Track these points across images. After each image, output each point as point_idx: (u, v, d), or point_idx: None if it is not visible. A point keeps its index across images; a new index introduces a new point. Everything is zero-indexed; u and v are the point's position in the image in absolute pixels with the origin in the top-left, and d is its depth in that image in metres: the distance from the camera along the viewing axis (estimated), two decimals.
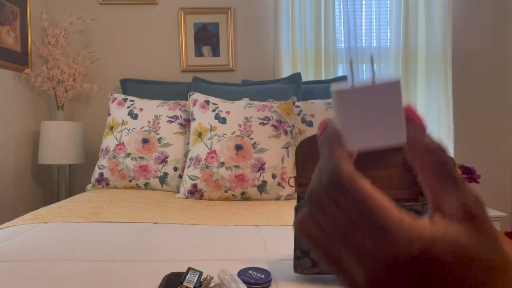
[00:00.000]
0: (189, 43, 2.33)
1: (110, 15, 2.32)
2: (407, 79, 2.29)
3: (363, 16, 2.33)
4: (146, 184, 1.75)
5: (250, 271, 0.71)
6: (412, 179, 0.55)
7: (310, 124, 1.81)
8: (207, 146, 1.63)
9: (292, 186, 0.57)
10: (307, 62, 2.29)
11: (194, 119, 1.73)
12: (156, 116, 1.82)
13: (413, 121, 0.38)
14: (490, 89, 2.40)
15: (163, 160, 1.75)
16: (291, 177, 0.59)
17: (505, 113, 2.40)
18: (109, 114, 1.92)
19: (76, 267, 0.77)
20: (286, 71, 2.28)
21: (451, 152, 2.24)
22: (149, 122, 1.81)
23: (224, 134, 1.63)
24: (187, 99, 1.95)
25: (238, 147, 1.60)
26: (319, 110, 1.85)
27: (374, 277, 0.22)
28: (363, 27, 2.33)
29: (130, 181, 1.75)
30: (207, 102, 1.75)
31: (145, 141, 1.77)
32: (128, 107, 1.88)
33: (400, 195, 0.56)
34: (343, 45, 2.30)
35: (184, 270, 0.69)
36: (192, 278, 0.64)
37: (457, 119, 2.35)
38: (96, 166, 1.80)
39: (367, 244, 0.23)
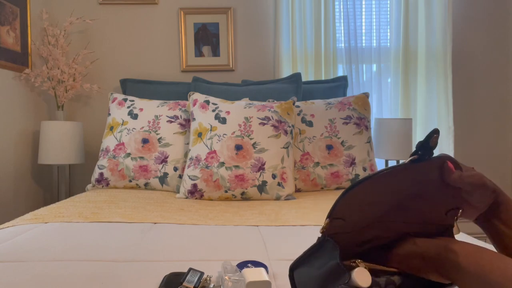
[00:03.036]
0: (189, 43, 2.33)
1: (110, 15, 2.32)
2: (407, 79, 2.29)
3: (363, 16, 2.33)
4: (146, 184, 1.75)
5: (249, 264, 0.72)
6: (445, 215, 0.54)
7: (310, 124, 1.81)
8: (207, 146, 1.63)
9: (323, 232, 0.48)
10: (307, 62, 2.29)
11: (194, 119, 1.73)
12: (156, 116, 1.82)
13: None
14: (490, 89, 2.40)
15: (163, 160, 1.75)
16: (327, 222, 0.48)
17: (505, 113, 2.41)
18: (109, 114, 1.92)
19: (76, 267, 0.77)
20: (286, 71, 2.28)
21: (451, 152, 2.24)
22: (149, 122, 1.81)
23: (224, 134, 1.63)
24: (187, 99, 1.95)
25: (238, 147, 1.60)
26: (319, 110, 1.85)
27: None
28: (363, 27, 2.33)
29: (130, 181, 1.75)
30: (207, 102, 1.75)
31: (145, 141, 1.77)
32: (128, 107, 1.88)
33: (432, 227, 0.54)
34: (343, 45, 2.30)
35: (184, 270, 0.69)
36: (192, 279, 0.64)
37: (457, 119, 2.35)
38: (96, 166, 1.80)
39: None
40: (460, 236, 0.96)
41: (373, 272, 0.47)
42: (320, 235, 0.51)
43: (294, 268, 0.55)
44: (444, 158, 0.50)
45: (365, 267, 0.45)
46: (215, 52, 2.34)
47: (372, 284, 0.45)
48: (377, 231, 0.52)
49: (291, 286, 0.54)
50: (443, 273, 0.44)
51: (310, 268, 0.51)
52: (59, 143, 2.00)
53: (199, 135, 1.67)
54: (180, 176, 1.73)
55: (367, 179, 0.45)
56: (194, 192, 1.58)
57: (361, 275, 0.44)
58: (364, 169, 1.77)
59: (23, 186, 2.09)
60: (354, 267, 0.45)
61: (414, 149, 0.52)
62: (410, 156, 0.48)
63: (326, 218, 0.48)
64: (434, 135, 0.46)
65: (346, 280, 0.43)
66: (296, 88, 2.06)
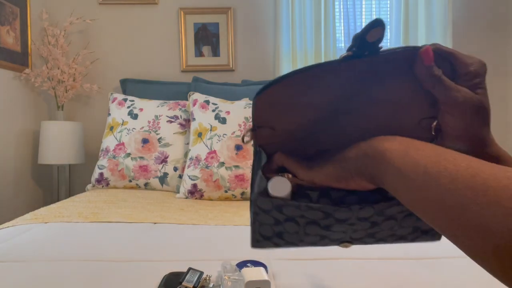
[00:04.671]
0: (189, 43, 2.33)
1: (110, 15, 2.32)
2: None
3: (363, 16, 2.33)
4: (146, 184, 1.75)
5: (248, 264, 0.73)
6: (418, 124, 0.40)
7: None
8: (207, 146, 1.63)
9: (246, 142, 0.39)
10: (307, 62, 2.29)
11: (194, 119, 1.73)
12: (156, 116, 1.82)
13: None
14: (490, 90, 2.38)
15: (163, 160, 1.75)
16: (248, 131, 0.38)
17: (504, 114, 2.40)
18: (109, 114, 1.92)
19: (76, 267, 0.77)
20: (286, 71, 2.28)
21: None
22: (149, 122, 1.81)
23: (224, 134, 1.63)
24: (187, 99, 1.95)
25: (238, 147, 1.60)
26: None
27: None
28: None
29: (130, 181, 1.75)
30: (207, 102, 1.75)
31: (145, 141, 1.77)
32: (128, 107, 1.88)
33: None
34: (343, 45, 2.30)
35: (184, 270, 0.69)
36: (192, 278, 0.64)
37: None
38: (96, 166, 1.80)
39: None
40: None
41: (307, 186, 0.39)
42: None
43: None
44: (416, 48, 0.36)
45: (291, 180, 0.38)
46: (215, 52, 2.34)
47: (300, 196, 0.39)
48: (324, 141, 0.41)
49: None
50: (372, 177, 0.33)
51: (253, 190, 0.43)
52: (59, 143, 2.00)
53: (199, 135, 1.67)
54: (180, 176, 1.73)
55: (279, 81, 0.36)
56: (194, 192, 1.58)
57: (277, 184, 0.37)
58: None
59: (23, 186, 2.09)
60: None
61: None
62: (347, 51, 0.36)
63: (249, 128, 0.39)
64: (375, 27, 0.33)
65: (261, 189, 0.37)
66: None
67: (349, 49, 0.36)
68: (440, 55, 0.36)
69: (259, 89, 0.36)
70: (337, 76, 0.37)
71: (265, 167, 0.39)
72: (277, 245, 0.40)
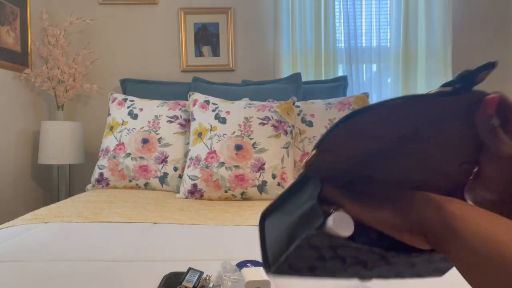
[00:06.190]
0: (189, 43, 2.33)
1: (110, 15, 2.32)
2: (407, 79, 2.29)
3: (363, 16, 2.33)
4: (146, 184, 1.75)
5: (248, 264, 0.73)
6: (458, 167, 0.39)
7: (310, 124, 1.81)
8: (207, 146, 1.63)
9: (305, 165, 0.35)
10: (307, 62, 2.29)
11: (194, 119, 1.73)
12: (156, 116, 1.82)
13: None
14: (490, 89, 2.39)
15: (163, 160, 1.75)
16: (313, 155, 0.34)
17: None
18: (109, 114, 1.92)
19: (76, 267, 0.77)
20: (286, 71, 2.28)
21: None
22: (149, 122, 1.81)
23: (224, 134, 1.63)
24: (187, 99, 1.95)
25: (238, 147, 1.60)
26: (319, 110, 1.85)
27: None
28: (363, 27, 2.33)
29: (130, 181, 1.75)
30: (207, 102, 1.75)
31: (145, 141, 1.77)
32: (128, 107, 1.88)
33: (440, 179, 0.39)
34: (343, 45, 2.30)
35: (184, 270, 0.69)
36: (191, 278, 0.64)
37: None
38: (96, 166, 1.80)
39: None
40: None
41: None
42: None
43: (266, 216, 0.41)
44: (482, 94, 0.35)
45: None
46: (215, 52, 2.34)
47: (359, 234, 0.35)
48: (375, 176, 0.39)
49: (260, 239, 0.40)
50: (431, 239, 0.31)
51: (284, 215, 0.39)
52: (59, 143, 2.00)
53: (199, 135, 1.67)
54: (180, 176, 1.73)
55: (378, 106, 0.33)
56: (194, 192, 1.58)
57: (341, 220, 0.33)
58: None
59: (23, 186, 2.09)
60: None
61: None
62: (442, 86, 0.34)
63: (313, 149, 0.35)
64: (489, 69, 0.32)
65: (317, 224, 0.32)
66: (296, 88, 2.06)
67: (448, 84, 0.34)
68: (500, 106, 0.36)
69: (347, 115, 0.33)
70: (420, 109, 0.35)
71: (320, 197, 0.35)
72: (299, 275, 0.35)
